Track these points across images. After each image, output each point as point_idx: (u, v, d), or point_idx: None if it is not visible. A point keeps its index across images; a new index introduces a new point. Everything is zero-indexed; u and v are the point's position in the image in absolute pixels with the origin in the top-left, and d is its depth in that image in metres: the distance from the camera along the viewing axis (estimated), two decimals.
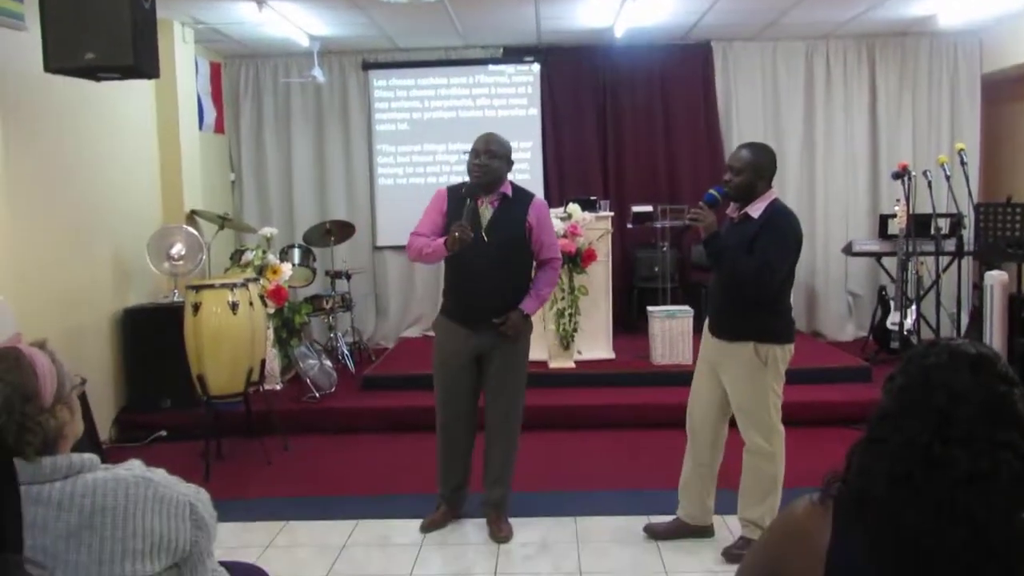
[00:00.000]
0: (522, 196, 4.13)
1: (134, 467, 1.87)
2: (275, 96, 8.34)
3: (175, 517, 1.83)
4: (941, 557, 1.35)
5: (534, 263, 4.18)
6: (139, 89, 6.33)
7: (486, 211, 4.03)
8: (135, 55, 4.33)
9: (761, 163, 3.72)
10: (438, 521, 4.29)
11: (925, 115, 8.19)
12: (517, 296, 4.07)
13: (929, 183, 5.70)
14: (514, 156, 8.14)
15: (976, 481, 1.35)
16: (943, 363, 1.44)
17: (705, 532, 4.05)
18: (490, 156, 4.00)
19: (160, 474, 1.89)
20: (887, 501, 1.39)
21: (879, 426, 1.46)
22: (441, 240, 3.94)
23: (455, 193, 4.12)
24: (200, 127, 7.41)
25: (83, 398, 5.05)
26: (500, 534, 4.16)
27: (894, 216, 6.90)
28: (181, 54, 6.85)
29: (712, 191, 3.78)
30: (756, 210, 3.69)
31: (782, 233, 3.64)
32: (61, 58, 4.36)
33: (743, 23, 7.50)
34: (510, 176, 4.12)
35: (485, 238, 3.97)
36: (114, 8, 4.30)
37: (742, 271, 3.62)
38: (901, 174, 5.75)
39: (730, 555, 3.85)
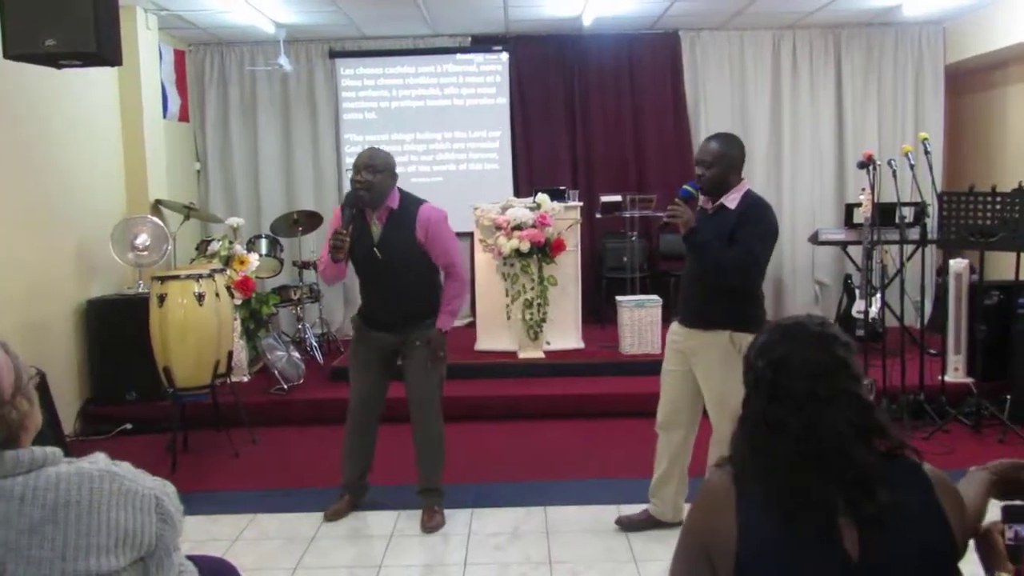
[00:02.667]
0: (409, 207, 4.07)
1: (98, 460, 1.83)
2: (241, 84, 8.24)
3: (140, 511, 1.80)
4: (805, 499, 1.61)
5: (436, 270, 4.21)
6: (102, 77, 6.23)
7: (375, 227, 4.05)
8: (97, 41, 4.25)
9: (732, 154, 3.72)
10: (341, 510, 4.35)
11: (890, 105, 8.27)
12: (424, 301, 4.14)
13: (894, 172, 5.74)
14: (483, 145, 8.43)
15: (810, 435, 1.62)
16: (766, 340, 1.72)
17: (675, 526, 4.07)
18: (372, 171, 3.97)
19: (125, 467, 1.86)
20: (753, 466, 1.68)
21: (743, 405, 1.76)
22: (324, 252, 4.05)
23: (346, 210, 4.17)
24: (164, 115, 7.31)
25: (45, 390, 4.99)
26: (430, 524, 4.18)
27: (859, 205, 6.95)
28: (144, 41, 6.74)
29: (686, 186, 3.77)
30: (732, 201, 3.69)
31: (762, 223, 3.66)
32: (21, 44, 4.27)
33: (711, 12, 7.52)
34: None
35: (378, 254, 4.01)
36: None
37: (727, 264, 3.61)
38: (866, 163, 5.78)
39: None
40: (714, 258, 3.64)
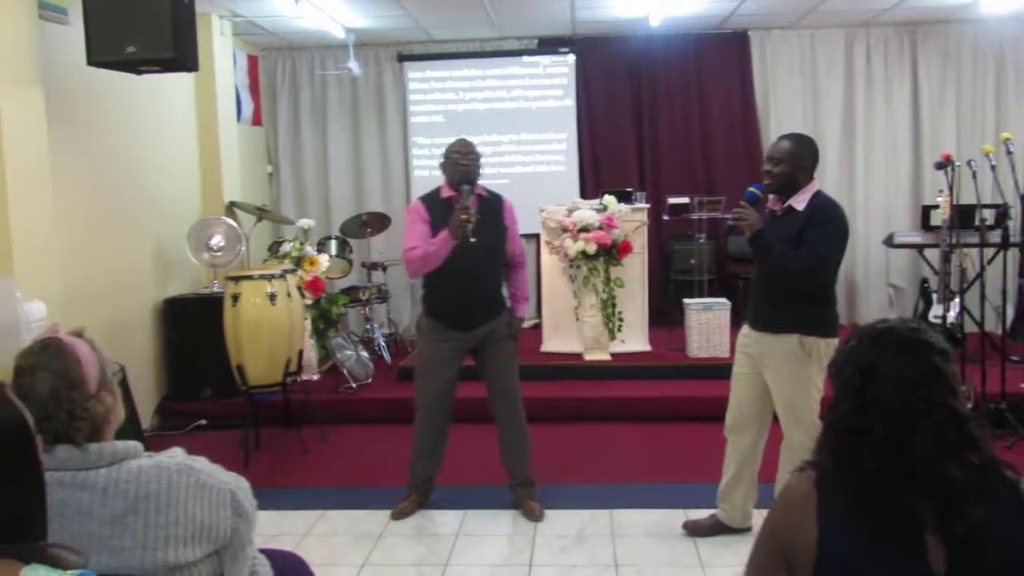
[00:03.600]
0: (494, 198, 4.33)
1: (176, 455, 1.89)
2: (312, 88, 8.39)
3: (216, 505, 1.86)
4: (890, 512, 1.55)
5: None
6: (179, 82, 6.40)
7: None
8: (175, 48, 4.39)
9: (801, 154, 3.64)
10: (409, 508, 4.39)
11: (969, 104, 8.04)
12: (501, 292, 4.31)
13: (974, 173, 5.57)
14: (549, 147, 8.45)
15: (899, 448, 1.56)
16: (855, 345, 1.67)
17: (744, 531, 4.02)
18: (472, 158, 4.23)
19: (201, 462, 1.92)
20: (836, 474, 1.61)
21: (828, 412, 1.71)
22: (443, 233, 4.03)
23: (433, 200, 4.27)
24: (238, 119, 7.47)
25: (125, 385, 5.12)
26: (535, 513, 4.26)
27: (937, 207, 6.78)
28: (219, 47, 6.91)
29: (752, 188, 3.72)
30: (800, 202, 3.62)
31: (831, 225, 3.57)
32: (103, 51, 4.42)
33: (781, 11, 7.40)
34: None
35: (472, 239, 4.06)
36: (155, 2, 4.36)
37: (794, 267, 3.54)
38: (944, 164, 5.63)
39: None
40: (780, 261, 3.58)
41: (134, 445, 1.85)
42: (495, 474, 4.48)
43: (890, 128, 8.11)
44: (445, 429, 4.38)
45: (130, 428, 1.88)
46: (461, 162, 4.19)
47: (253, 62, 8.05)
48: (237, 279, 5.23)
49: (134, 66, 4.56)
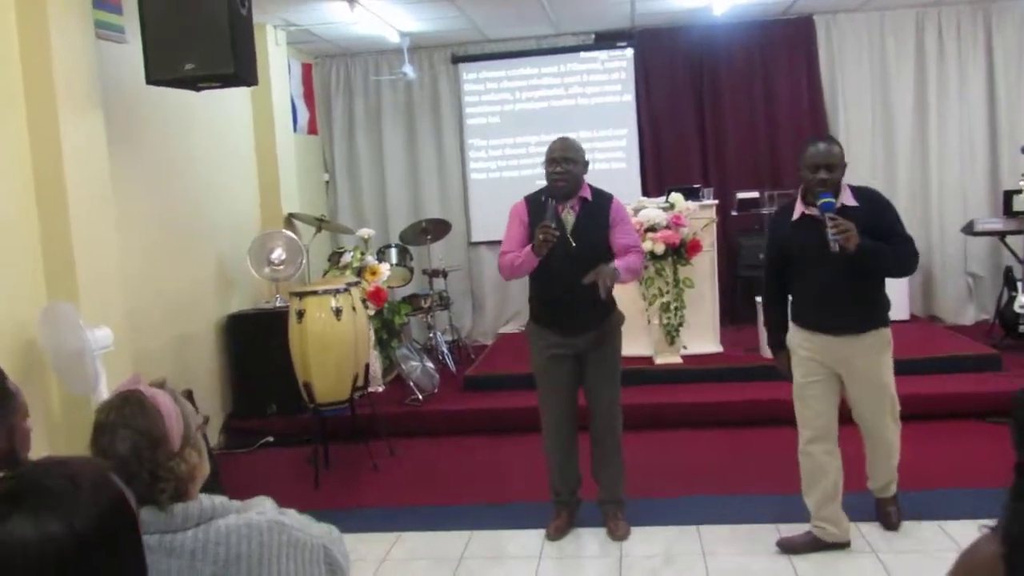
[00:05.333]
0: (601, 198, 4.04)
1: (266, 510, 1.77)
2: (366, 94, 8.30)
3: (310, 562, 1.74)
4: None
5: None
6: (235, 94, 6.34)
7: (569, 216, 3.95)
8: (235, 63, 4.29)
9: (843, 154, 3.70)
10: (563, 527, 4.19)
11: None
12: (603, 302, 3.93)
13: None
14: (609, 144, 8.24)
15: None
16: None
17: (842, 546, 3.82)
18: (569, 163, 3.91)
19: (292, 516, 1.79)
20: None
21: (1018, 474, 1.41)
22: (528, 247, 3.85)
23: (535, 202, 4.03)
24: (294, 129, 7.41)
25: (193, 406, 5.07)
26: (618, 532, 4.08)
27: (1020, 192, 6.48)
28: (275, 57, 6.85)
29: (826, 199, 3.55)
30: (849, 199, 3.64)
31: (893, 208, 3.71)
32: (162, 70, 4.35)
33: None
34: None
35: (572, 243, 3.87)
36: (212, 17, 4.27)
37: (906, 261, 3.64)
38: None
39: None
40: (893, 259, 3.61)
41: (221, 502, 1.73)
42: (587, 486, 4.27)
43: (965, 111, 7.77)
44: (572, 439, 4.16)
45: (213, 481, 1.76)
46: (553, 171, 3.92)
47: (307, 70, 7.98)
48: (301, 295, 5.13)
49: (194, 83, 4.47)
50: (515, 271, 3.96)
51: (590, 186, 4.03)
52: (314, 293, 5.14)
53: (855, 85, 7.87)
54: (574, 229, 3.92)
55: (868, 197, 3.67)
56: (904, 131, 7.78)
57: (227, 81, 4.44)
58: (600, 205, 3.99)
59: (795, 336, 3.82)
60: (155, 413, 1.69)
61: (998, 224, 6.98)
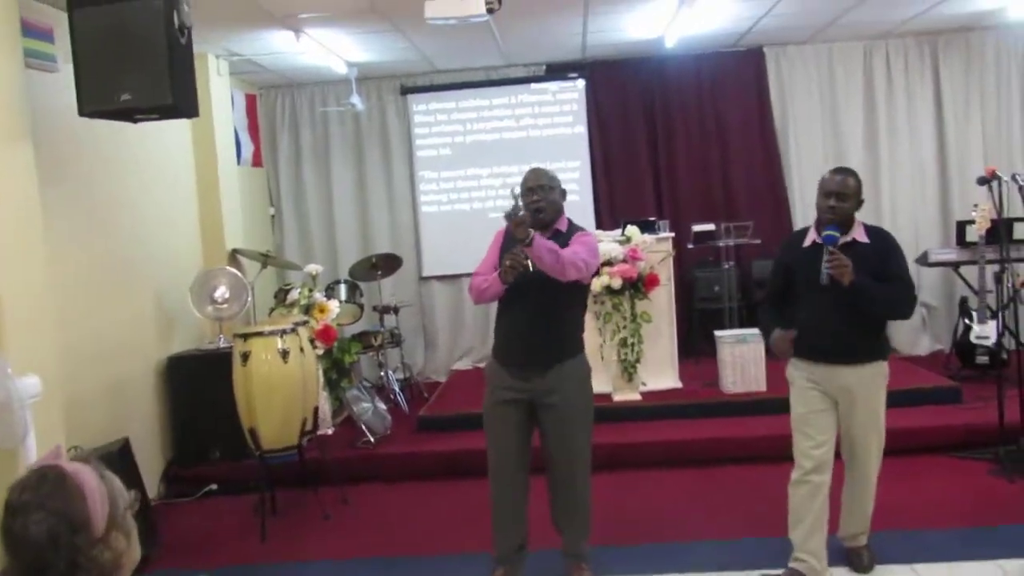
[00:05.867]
0: (573, 232, 3.81)
1: None
2: (313, 126, 8.10)
3: None
4: None
5: (583, 302, 3.91)
6: (175, 126, 6.07)
7: None
8: (174, 94, 4.06)
9: (859, 188, 3.66)
10: None
11: (994, 115, 7.76)
12: (570, 337, 3.77)
13: (1020, 187, 5.28)
14: (563, 176, 7.88)
15: None
16: None
17: None
18: (545, 190, 3.73)
19: None
20: None
21: None
22: (496, 274, 3.67)
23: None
24: (238, 161, 7.16)
25: (129, 455, 4.76)
26: None
27: (972, 222, 6.48)
28: (216, 87, 6.61)
29: (830, 232, 3.58)
30: (861, 235, 3.65)
31: (901, 252, 3.68)
32: (95, 101, 4.11)
33: (797, 26, 7.12)
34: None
35: (531, 268, 3.58)
36: (149, 46, 4.04)
37: (901, 303, 3.64)
38: (988, 179, 5.34)
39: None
40: (886, 301, 3.60)
41: None
42: (547, 535, 4.02)
43: (914, 142, 7.82)
44: (519, 493, 3.84)
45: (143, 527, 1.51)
46: (530, 200, 3.69)
47: (251, 101, 7.75)
48: (246, 336, 4.88)
49: (130, 115, 4.24)
50: (482, 295, 3.77)
51: (569, 220, 3.85)
52: (259, 334, 4.89)
53: (806, 116, 7.89)
54: (527, 270, 3.62)
55: (880, 237, 3.69)
56: (855, 162, 7.74)
57: (166, 113, 4.20)
58: (568, 237, 3.75)
59: (796, 367, 3.78)
60: (76, 492, 1.46)
61: (952, 254, 6.99)
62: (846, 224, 3.61)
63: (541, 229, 3.69)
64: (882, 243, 3.64)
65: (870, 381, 3.67)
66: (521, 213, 3.38)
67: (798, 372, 3.77)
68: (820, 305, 3.63)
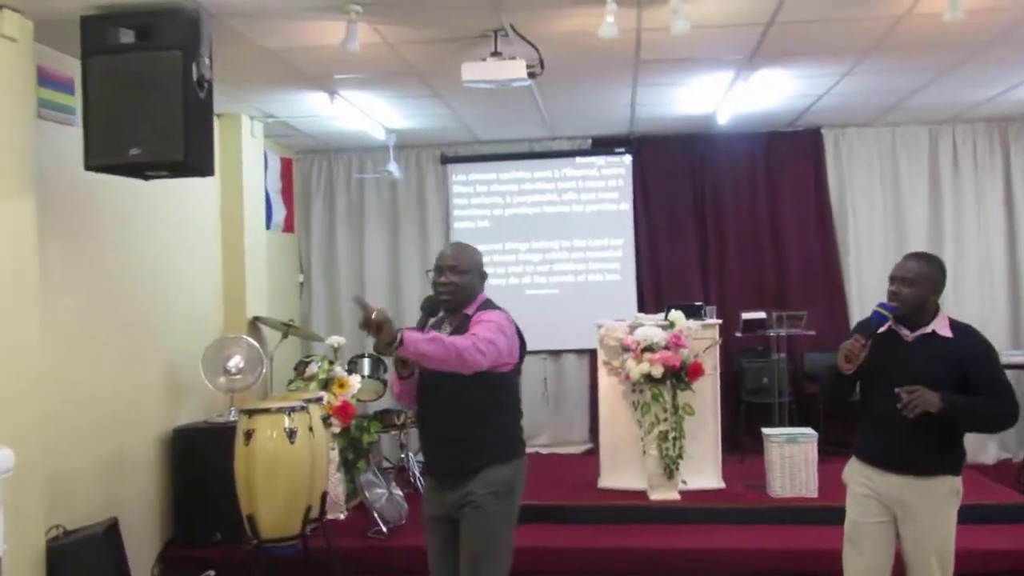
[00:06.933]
0: (485, 311, 3.25)
1: None
2: (348, 192, 7.87)
3: None
4: None
5: (509, 395, 3.28)
6: (202, 186, 5.86)
7: (445, 332, 3.23)
8: (186, 150, 3.81)
9: (936, 276, 3.30)
10: None
11: None
12: (482, 441, 3.15)
13: None
14: (604, 255, 7.73)
15: None
16: None
17: None
18: (457, 272, 3.22)
19: None
20: None
21: None
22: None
23: (425, 310, 3.32)
24: (268, 226, 6.92)
25: (116, 536, 4.33)
26: None
27: None
28: (249, 149, 6.40)
29: (880, 308, 3.26)
30: (943, 328, 3.28)
31: (994, 350, 3.30)
32: (103, 155, 3.88)
33: (858, 107, 6.74)
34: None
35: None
36: (164, 99, 3.80)
37: (1001, 415, 3.24)
38: None
39: None
40: (986, 415, 3.23)
41: None
42: None
43: (982, 233, 7.34)
44: None
45: None
46: (438, 280, 3.22)
47: (287, 165, 7.54)
48: (251, 412, 4.52)
49: (140, 170, 3.98)
50: (400, 397, 3.35)
51: (486, 301, 3.30)
52: (266, 411, 4.53)
53: (866, 203, 7.46)
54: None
55: (968, 333, 3.30)
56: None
57: (176, 170, 3.94)
58: (471, 319, 3.21)
59: (854, 469, 3.44)
60: None
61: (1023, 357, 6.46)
62: (918, 313, 3.26)
63: (449, 313, 3.28)
64: (970, 340, 3.26)
65: (936, 498, 3.24)
66: (374, 314, 2.74)
67: (855, 475, 3.40)
68: (886, 403, 3.20)
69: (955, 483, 3.27)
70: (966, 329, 3.32)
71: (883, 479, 3.29)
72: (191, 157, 3.83)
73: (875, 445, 3.32)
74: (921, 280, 3.24)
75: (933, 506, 3.24)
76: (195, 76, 3.84)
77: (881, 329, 3.30)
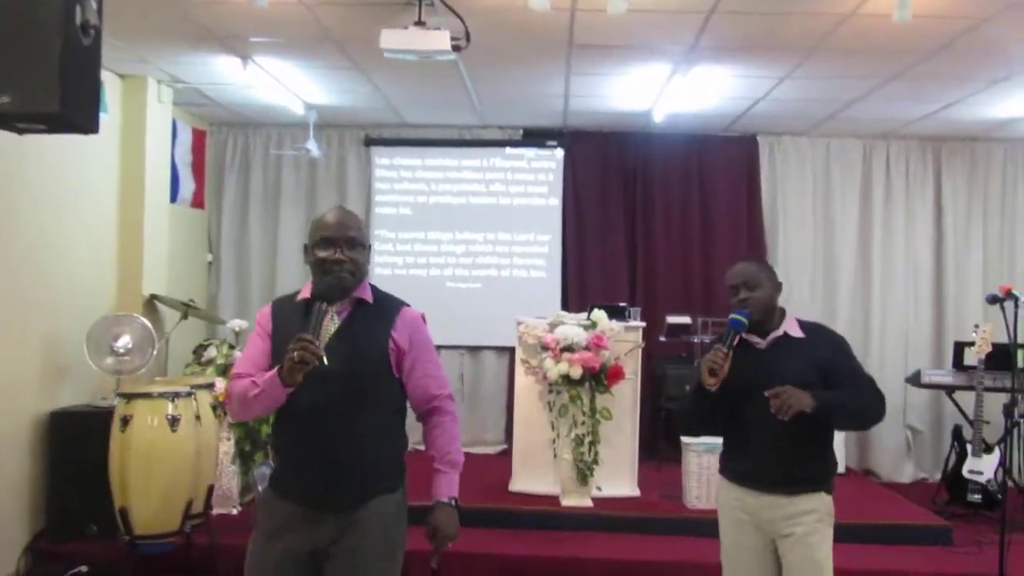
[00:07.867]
0: (386, 304, 2.70)
1: None
2: (264, 169, 7.45)
3: None
4: None
5: (405, 407, 2.73)
6: (100, 150, 5.45)
7: (331, 324, 2.60)
8: (63, 102, 3.36)
9: (772, 275, 3.14)
10: None
11: (997, 231, 7.26)
12: (382, 471, 2.62)
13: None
14: (530, 250, 7.47)
15: None
16: None
17: None
18: (352, 245, 2.61)
19: None
20: None
21: None
22: (271, 373, 2.49)
23: (286, 307, 2.69)
24: (174, 199, 6.49)
25: None
26: None
27: (972, 344, 5.90)
28: (155, 115, 5.97)
29: (736, 315, 3.01)
30: (794, 328, 3.10)
31: (847, 343, 3.15)
32: None
33: (795, 115, 6.62)
34: None
35: (326, 362, 2.47)
36: (41, 43, 3.37)
37: (873, 408, 3.00)
38: (1002, 299, 4.76)
39: None
40: (857, 409, 3.00)
41: None
42: None
43: (910, 251, 7.30)
44: None
45: None
46: (331, 256, 2.58)
47: (199, 137, 7.11)
48: (130, 397, 4.14)
49: (9, 121, 3.52)
50: (250, 405, 2.55)
51: (372, 286, 2.71)
52: (147, 396, 4.16)
53: (797, 212, 7.36)
54: (334, 340, 2.58)
55: (818, 331, 3.15)
56: (847, 264, 7.25)
57: (52, 124, 3.49)
58: (383, 313, 2.66)
59: (724, 492, 3.17)
60: None
61: (947, 377, 6.39)
62: (769, 320, 3.06)
63: (337, 299, 2.59)
64: (822, 336, 3.11)
65: (810, 516, 2.99)
66: (314, 342, 2.38)
67: (726, 498, 3.13)
68: (749, 418, 2.98)
69: (826, 501, 3.04)
70: (815, 326, 3.18)
71: (754, 498, 3.04)
72: (69, 111, 3.40)
73: (742, 462, 3.07)
74: (763, 281, 3.07)
75: (810, 527, 2.99)
76: (79, 19, 3.42)
77: (733, 343, 3.03)
